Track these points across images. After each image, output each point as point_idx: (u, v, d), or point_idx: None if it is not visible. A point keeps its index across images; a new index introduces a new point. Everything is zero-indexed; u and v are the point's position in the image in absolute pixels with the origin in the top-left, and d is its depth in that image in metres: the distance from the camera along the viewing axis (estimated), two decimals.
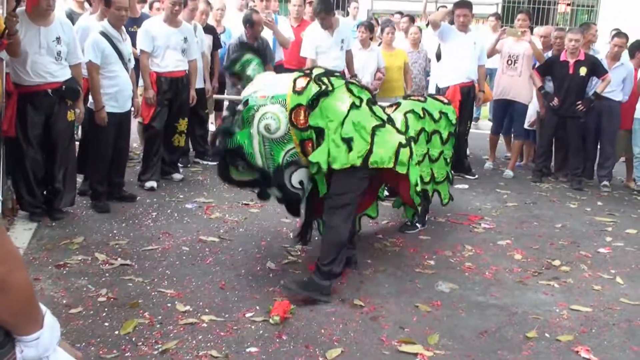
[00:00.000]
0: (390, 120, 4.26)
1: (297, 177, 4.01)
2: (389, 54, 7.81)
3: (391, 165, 3.95)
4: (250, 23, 6.86)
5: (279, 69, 6.77)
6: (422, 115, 4.91)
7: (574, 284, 4.49)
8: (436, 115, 5.06)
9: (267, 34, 7.21)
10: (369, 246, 4.99)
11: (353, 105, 3.97)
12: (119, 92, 5.49)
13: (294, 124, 3.87)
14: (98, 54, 5.32)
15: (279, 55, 7.52)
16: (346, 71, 7.11)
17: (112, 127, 5.47)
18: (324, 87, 3.93)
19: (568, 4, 17.25)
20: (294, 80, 3.97)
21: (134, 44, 6.36)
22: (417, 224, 5.49)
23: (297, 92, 3.90)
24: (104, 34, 5.38)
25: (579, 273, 4.72)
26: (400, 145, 4.02)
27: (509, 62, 7.63)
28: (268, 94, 3.96)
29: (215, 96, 7.84)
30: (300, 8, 7.72)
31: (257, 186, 4.20)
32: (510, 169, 7.80)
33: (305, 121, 3.87)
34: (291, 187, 4.02)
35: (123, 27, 5.58)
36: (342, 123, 3.90)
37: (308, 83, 3.94)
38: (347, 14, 9.73)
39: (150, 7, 7.58)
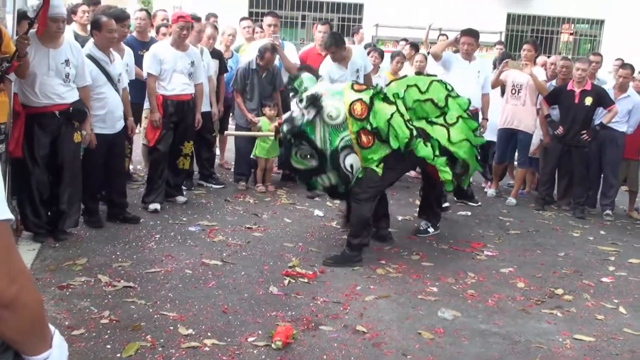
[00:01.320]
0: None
1: (349, 160, 4.92)
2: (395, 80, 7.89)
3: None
4: (262, 55, 7.00)
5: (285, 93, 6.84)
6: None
7: (577, 313, 4.48)
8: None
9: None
10: (372, 272, 4.99)
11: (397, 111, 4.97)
12: (108, 114, 5.54)
13: (352, 114, 4.80)
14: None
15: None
16: None
17: (101, 147, 5.51)
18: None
19: (571, 34, 17.39)
20: (352, 83, 5.15)
21: (142, 67, 6.44)
22: (429, 229, 5.98)
23: (355, 90, 4.95)
24: (90, 57, 5.41)
25: (582, 302, 4.71)
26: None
27: (513, 91, 7.68)
28: (328, 91, 4.98)
29: (226, 132, 7.93)
30: (325, 35, 7.59)
31: (311, 174, 5.08)
32: (513, 197, 7.82)
33: (362, 113, 4.81)
34: (344, 169, 4.93)
35: (111, 49, 5.62)
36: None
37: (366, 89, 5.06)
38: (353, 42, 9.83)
39: (157, 32, 7.66)
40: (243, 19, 9.10)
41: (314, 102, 4.82)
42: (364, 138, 4.86)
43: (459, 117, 5.31)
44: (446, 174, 5.08)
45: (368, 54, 7.87)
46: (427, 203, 6.14)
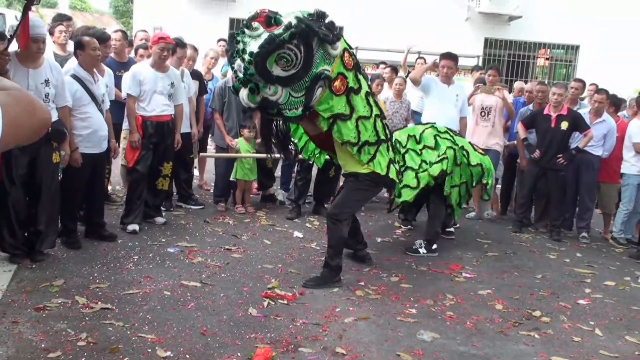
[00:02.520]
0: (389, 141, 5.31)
1: (317, 94, 4.57)
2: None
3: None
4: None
5: None
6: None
7: (554, 335, 4.52)
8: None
9: None
10: (351, 293, 4.99)
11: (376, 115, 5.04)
12: (92, 134, 5.52)
13: (343, 60, 4.65)
14: (70, 96, 5.37)
15: None
16: None
17: (86, 167, 5.49)
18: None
19: (547, 58, 17.69)
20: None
21: (120, 88, 6.43)
22: (421, 250, 6.22)
23: (348, 45, 4.85)
24: (75, 77, 5.42)
25: (559, 324, 4.75)
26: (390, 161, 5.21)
27: (482, 113, 7.86)
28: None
29: (202, 154, 7.93)
30: None
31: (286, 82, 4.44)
32: (492, 209, 8.05)
33: (350, 64, 4.73)
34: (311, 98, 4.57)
35: (95, 70, 5.63)
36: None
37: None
38: None
39: (136, 53, 7.64)
40: (221, 39, 9.17)
41: (323, 18, 4.51)
42: (337, 83, 4.63)
43: (448, 148, 6.02)
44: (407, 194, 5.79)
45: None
46: (429, 224, 6.42)
